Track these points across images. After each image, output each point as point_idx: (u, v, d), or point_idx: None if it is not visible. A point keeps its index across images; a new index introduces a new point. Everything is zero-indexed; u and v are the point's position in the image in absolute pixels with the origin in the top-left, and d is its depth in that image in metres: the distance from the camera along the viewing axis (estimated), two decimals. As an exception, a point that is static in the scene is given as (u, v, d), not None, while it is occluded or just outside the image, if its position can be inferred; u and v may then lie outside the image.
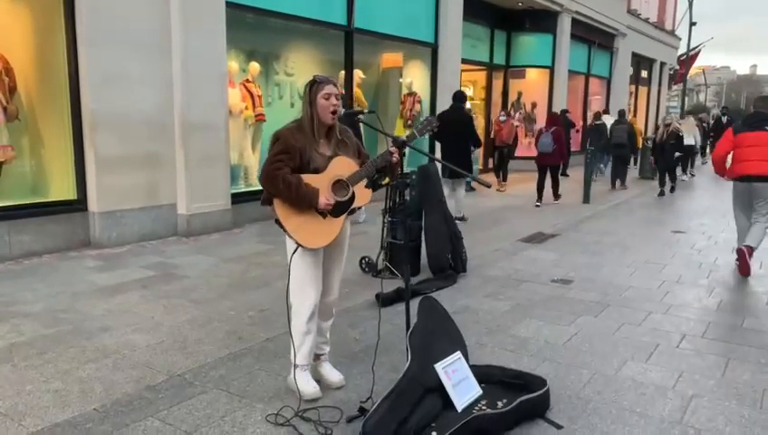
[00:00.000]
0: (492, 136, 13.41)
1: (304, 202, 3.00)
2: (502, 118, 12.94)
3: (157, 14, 6.83)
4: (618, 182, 13.38)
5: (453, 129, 8.11)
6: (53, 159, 6.62)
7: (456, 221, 8.90)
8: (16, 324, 4.23)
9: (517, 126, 13.64)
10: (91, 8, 6.24)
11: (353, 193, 3.11)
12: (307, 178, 3.01)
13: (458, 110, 8.63)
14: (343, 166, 3.10)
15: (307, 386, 3.17)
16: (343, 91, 9.79)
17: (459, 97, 8.81)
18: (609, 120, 15.11)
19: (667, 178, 12.46)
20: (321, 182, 3.03)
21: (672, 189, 12.68)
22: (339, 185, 3.08)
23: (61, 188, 6.56)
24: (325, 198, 3.01)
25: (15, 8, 6.25)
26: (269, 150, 3.09)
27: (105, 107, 6.42)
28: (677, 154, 12.37)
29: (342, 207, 3.12)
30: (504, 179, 12.68)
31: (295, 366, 3.20)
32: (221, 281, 5.43)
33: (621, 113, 14.61)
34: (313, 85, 3.06)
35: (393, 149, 3.05)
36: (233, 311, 4.62)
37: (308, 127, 3.07)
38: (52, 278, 5.40)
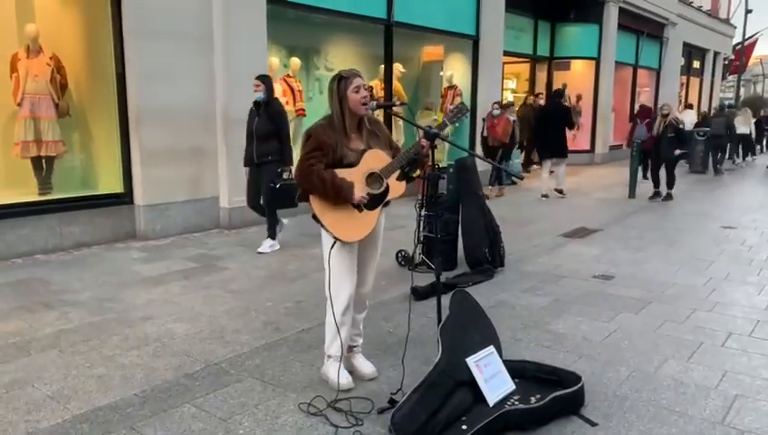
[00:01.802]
0: (484, 134, 10.82)
1: (339, 196, 3.01)
2: (495, 111, 10.47)
3: (200, 9, 6.96)
4: (715, 169, 14.40)
5: (552, 120, 10.25)
6: (101, 153, 6.85)
7: (557, 195, 10.10)
8: (65, 312, 4.41)
9: (514, 120, 11.02)
10: (136, 3, 6.40)
11: (387, 185, 3.12)
12: (341, 172, 3.03)
13: (557, 104, 10.86)
14: (376, 159, 3.11)
15: (340, 377, 3.19)
16: (379, 85, 9.80)
17: (557, 93, 11.36)
18: (689, 116, 15.07)
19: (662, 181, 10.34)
20: (355, 176, 3.05)
21: (669, 196, 10.21)
22: (373, 178, 3.09)
23: (108, 182, 6.79)
24: (360, 193, 3.03)
25: (66, 9, 6.48)
26: (301, 148, 3.12)
27: (150, 101, 6.59)
28: (678, 152, 9.99)
29: (377, 200, 3.13)
30: (500, 183, 10.56)
31: (329, 357, 3.24)
32: (260, 273, 5.52)
33: (721, 106, 16.01)
34: (341, 81, 3.06)
35: (425, 141, 3.04)
36: (270, 302, 4.70)
37: (338, 123, 3.09)
38: (99, 268, 5.60)
